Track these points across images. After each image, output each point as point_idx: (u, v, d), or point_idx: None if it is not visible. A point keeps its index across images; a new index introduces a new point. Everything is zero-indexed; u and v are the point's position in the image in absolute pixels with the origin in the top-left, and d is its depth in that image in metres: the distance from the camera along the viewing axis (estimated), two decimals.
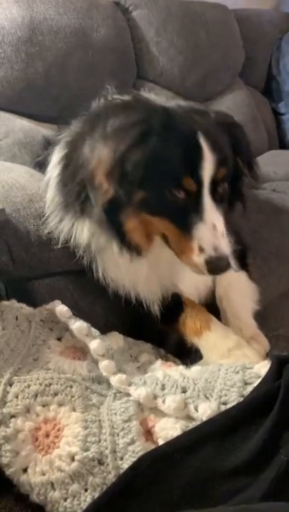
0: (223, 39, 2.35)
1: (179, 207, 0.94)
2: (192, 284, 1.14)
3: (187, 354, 1.09)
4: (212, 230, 0.93)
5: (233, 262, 0.98)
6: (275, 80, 2.70)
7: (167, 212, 0.95)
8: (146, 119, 0.94)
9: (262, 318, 1.22)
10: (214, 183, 0.95)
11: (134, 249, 1.01)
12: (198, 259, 0.93)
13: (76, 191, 1.00)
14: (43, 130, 1.67)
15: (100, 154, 0.92)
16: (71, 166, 1.03)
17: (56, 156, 1.12)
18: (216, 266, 0.92)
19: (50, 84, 1.72)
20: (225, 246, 0.93)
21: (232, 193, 1.06)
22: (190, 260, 0.95)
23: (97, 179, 0.93)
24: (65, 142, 1.11)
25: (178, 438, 0.68)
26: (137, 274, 1.07)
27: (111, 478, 0.68)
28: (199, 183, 0.93)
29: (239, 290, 1.19)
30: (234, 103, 2.46)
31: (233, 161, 1.04)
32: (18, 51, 1.61)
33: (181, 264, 1.02)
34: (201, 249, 0.92)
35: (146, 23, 2.07)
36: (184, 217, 0.94)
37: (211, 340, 1.02)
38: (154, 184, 0.93)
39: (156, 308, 1.10)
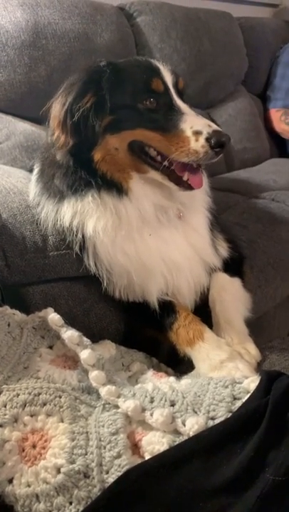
0: (226, 47, 2.36)
1: (154, 117, 1.03)
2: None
3: (179, 364, 1.09)
4: (197, 116, 1.03)
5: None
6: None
7: (145, 124, 1.03)
8: (87, 70, 1.05)
9: (257, 328, 1.22)
10: (179, 94, 1.07)
11: (112, 184, 1.05)
12: (198, 143, 0.99)
13: (51, 173, 1.10)
14: (45, 134, 1.67)
15: (54, 111, 1.04)
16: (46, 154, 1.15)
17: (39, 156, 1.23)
18: (219, 137, 0.98)
19: (52, 88, 1.72)
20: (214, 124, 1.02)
21: None
22: (189, 150, 0.99)
23: (55, 134, 1.04)
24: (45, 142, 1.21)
25: (164, 453, 0.67)
26: (130, 247, 1.08)
27: (96, 491, 0.67)
28: (165, 87, 1.04)
29: (233, 294, 1.19)
30: (236, 111, 2.47)
31: None
32: (22, 55, 1.62)
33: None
34: (197, 133, 0.99)
35: (150, 29, 2.08)
36: (163, 123, 1.02)
37: (204, 351, 1.02)
38: (125, 107, 1.03)
39: (154, 299, 1.10)
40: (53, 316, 0.93)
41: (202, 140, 0.99)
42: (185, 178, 1.05)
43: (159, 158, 1.05)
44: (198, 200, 1.19)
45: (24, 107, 1.67)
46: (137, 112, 1.03)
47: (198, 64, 2.23)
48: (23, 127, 1.65)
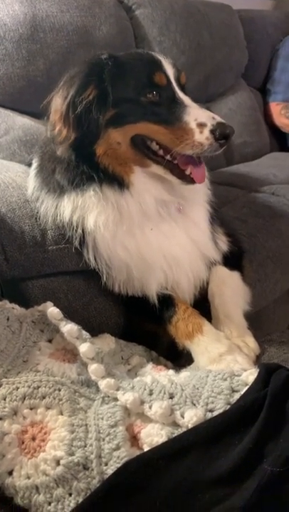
0: (226, 40, 2.34)
1: (157, 110, 1.03)
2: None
3: (178, 357, 1.09)
4: (200, 109, 1.03)
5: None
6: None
7: (148, 117, 1.02)
8: (88, 62, 1.04)
9: (256, 322, 1.22)
10: (180, 87, 1.07)
11: (114, 179, 1.05)
12: (203, 134, 1.00)
13: (51, 168, 1.09)
14: (44, 128, 1.67)
15: (55, 105, 1.03)
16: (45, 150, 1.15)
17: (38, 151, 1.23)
18: (223, 129, 0.99)
19: (51, 82, 1.71)
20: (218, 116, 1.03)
21: None
22: (194, 143, 1.00)
23: (57, 128, 1.03)
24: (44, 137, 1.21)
25: (163, 445, 0.68)
26: (130, 242, 1.08)
27: (95, 483, 0.68)
28: (168, 80, 1.05)
29: (232, 288, 1.19)
30: (236, 104, 2.46)
31: None
32: (20, 48, 1.61)
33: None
34: (201, 125, 1.00)
35: (149, 22, 2.06)
36: (167, 115, 1.02)
37: (203, 344, 1.02)
38: (127, 100, 1.02)
39: (153, 293, 1.10)
40: (52, 310, 0.93)
41: (207, 132, 0.99)
42: (188, 172, 1.05)
43: (161, 152, 1.05)
44: (199, 193, 1.19)
45: (23, 101, 1.67)
46: (140, 105, 1.02)
47: (198, 57, 2.21)
48: (21, 121, 1.64)
